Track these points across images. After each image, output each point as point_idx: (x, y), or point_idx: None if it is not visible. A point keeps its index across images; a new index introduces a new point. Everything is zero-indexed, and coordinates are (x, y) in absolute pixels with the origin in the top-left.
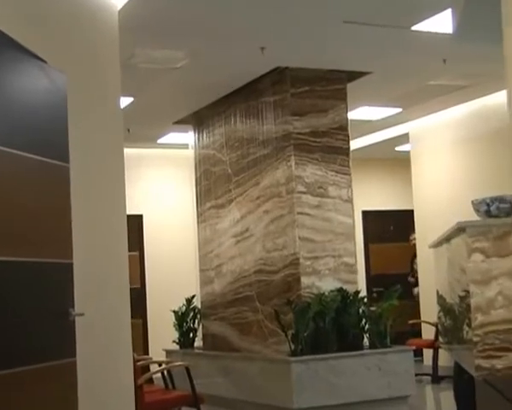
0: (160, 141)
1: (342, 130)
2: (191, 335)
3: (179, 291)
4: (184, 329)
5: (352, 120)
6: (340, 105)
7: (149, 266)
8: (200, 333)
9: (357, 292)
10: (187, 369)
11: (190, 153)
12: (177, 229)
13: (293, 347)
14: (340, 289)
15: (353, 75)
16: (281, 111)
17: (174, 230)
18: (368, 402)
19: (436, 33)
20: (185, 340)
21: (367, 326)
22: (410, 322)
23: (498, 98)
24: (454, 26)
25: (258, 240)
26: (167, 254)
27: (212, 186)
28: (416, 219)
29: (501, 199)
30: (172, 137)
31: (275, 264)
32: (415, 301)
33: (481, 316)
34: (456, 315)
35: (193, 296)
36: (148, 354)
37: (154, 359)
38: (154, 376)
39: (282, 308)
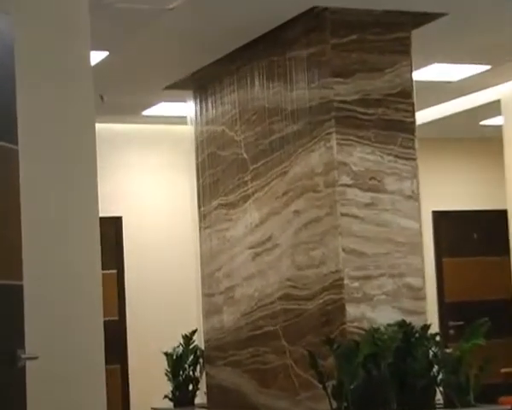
0: (146, 113)
1: (405, 97)
2: (191, 387)
3: (174, 325)
4: (181, 378)
5: (418, 83)
6: (402, 62)
7: (131, 290)
8: (203, 384)
9: (427, 327)
10: None
11: (189, 130)
12: (170, 237)
13: (335, 404)
14: (402, 323)
15: (420, 19)
16: (317, 70)
17: (166, 238)
18: None
19: None
20: (182, 394)
21: (440, 376)
22: (504, 370)
23: None
24: None
25: (286, 253)
26: (157, 273)
27: (221, 177)
28: (511, 224)
29: None
30: (164, 107)
31: (308, 287)
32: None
33: None
34: None
35: (193, 332)
36: None
37: None
38: None
39: (318, 350)
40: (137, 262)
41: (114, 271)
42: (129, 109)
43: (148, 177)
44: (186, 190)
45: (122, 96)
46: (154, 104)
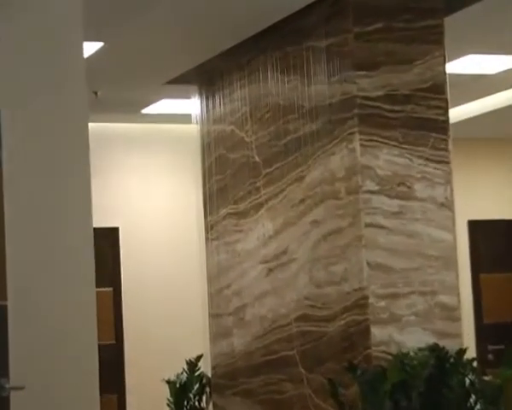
0: (146, 111)
1: (437, 92)
2: None
3: (177, 350)
4: (186, 409)
5: (451, 77)
6: (434, 52)
7: (130, 310)
8: None
9: (462, 351)
10: None
11: (194, 130)
12: (173, 250)
13: None
14: (435, 347)
15: (454, 4)
16: (338, 62)
17: (169, 251)
18: None
19: None
20: None
21: (478, 406)
22: None
23: None
24: None
25: (303, 268)
26: (158, 291)
27: (230, 183)
28: None
29: None
30: (165, 104)
31: (329, 306)
32: None
33: None
34: None
35: (199, 358)
36: None
37: None
38: None
39: (340, 377)
40: (136, 279)
41: (110, 289)
42: (126, 107)
43: (149, 183)
44: (191, 198)
45: (119, 92)
46: (154, 101)
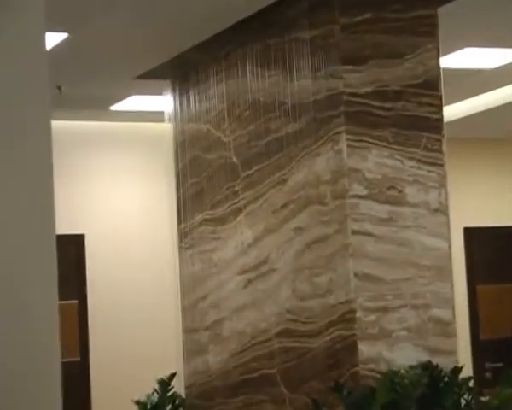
0: (114, 108)
1: (430, 88)
2: None
3: (148, 368)
4: None
5: (446, 72)
6: (427, 45)
7: (96, 325)
8: None
9: (458, 370)
10: None
11: (167, 129)
12: (144, 259)
13: None
14: (428, 365)
15: None
16: (324, 56)
17: (139, 261)
18: None
19: None
20: None
21: None
22: None
23: None
24: None
25: (285, 279)
26: (127, 304)
27: (206, 186)
28: None
29: None
30: (136, 101)
31: (313, 320)
32: None
33: None
34: None
35: (172, 376)
36: None
37: None
38: None
39: (325, 397)
40: (103, 290)
41: (75, 301)
42: (93, 103)
43: (118, 186)
44: (163, 203)
45: (85, 87)
46: (124, 97)
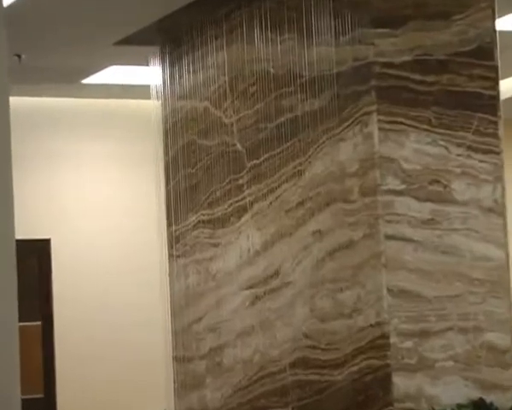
0: (87, 81)
1: (484, 57)
2: None
3: (130, 405)
4: None
5: (503, 36)
6: (480, 3)
7: (64, 352)
8: None
9: None
10: None
11: (154, 107)
12: (125, 271)
13: None
14: (480, 403)
15: None
16: (350, 16)
17: (119, 272)
18: None
19: None
20: None
21: None
22: None
23: None
24: None
25: (302, 295)
26: (103, 326)
27: (203, 179)
28: None
29: None
30: (115, 73)
31: (337, 347)
32: None
33: None
34: None
35: None
36: None
37: None
38: None
39: None
40: (73, 309)
41: (38, 323)
42: (61, 75)
43: (92, 179)
44: (149, 200)
45: (51, 55)
46: (100, 68)
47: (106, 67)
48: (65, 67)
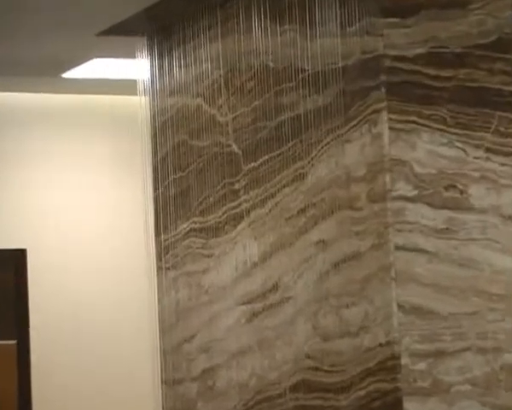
0: (68, 76)
1: (505, 50)
2: None
3: None
4: None
5: None
6: None
7: (42, 375)
8: None
9: None
10: None
11: (140, 104)
12: (108, 284)
13: None
14: None
15: None
16: (356, 4)
17: (102, 286)
18: None
19: None
20: None
21: None
22: None
23: None
24: None
25: (304, 311)
26: (85, 345)
27: (195, 183)
28: None
29: None
30: (98, 66)
31: (342, 368)
32: None
33: None
34: None
35: None
36: None
37: None
38: None
39: None
40: (52, 327)
41: (13, 342)
42: (39, 69)
43: (72, 183)
44: (135, 206)
45: (27, 46)
46: (82, 61)
47: (88, 59)
48: (43, 60)
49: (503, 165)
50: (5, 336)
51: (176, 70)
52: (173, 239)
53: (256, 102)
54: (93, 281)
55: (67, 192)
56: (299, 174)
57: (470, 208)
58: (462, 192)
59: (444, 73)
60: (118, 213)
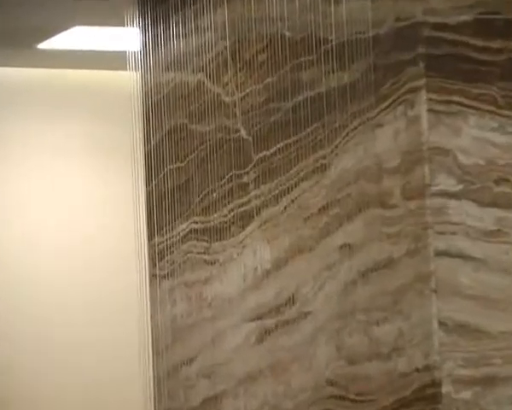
0: (44, 46)
1: None
2: None
3: None
4: None
5: None
6: None
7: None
8: None
9: None
10: None
11: (130, 81)
12: (90, 297)
13: None
14: None
15: None
16: None
17: (83, 300)
18: None
19: None
20: None
21: None
22: None
23: None
24: None
25: (325, 329)
26: (61, 371)
27: (196, 176)
28: None
29: None
30: (80, 35)
31: (371, 397)
32: None
33: None
34: None
35: None
36: None
37: None
38: None
39: None
40: (18, 351)
41: None
42: (11, 39)
43: (49, 172)
44: (124, 202)
45: None
46: (60, 29)
47: (68, 27)
48: (16, 28)
49: None
50: None
51: (173, 41)
52: (169, 242)
53: (269, 79)
54: (74, 294)
55: (44, 183)
56: (321, 165)
57: None
58: None
59: (494, 45)
60: (103, 211)
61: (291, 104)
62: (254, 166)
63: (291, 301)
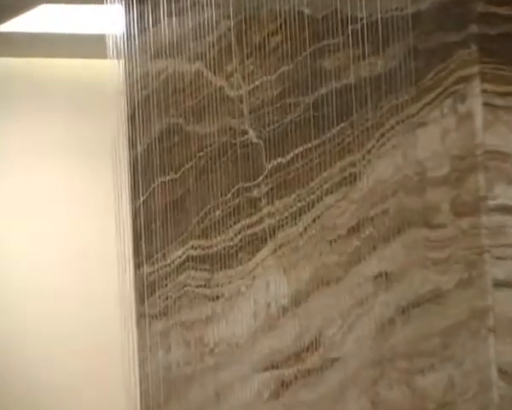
0: (5, 29)
1: None
2: None
3: None
4: None
5: None
6: None
7: None
8: None
9: None
10: None
11: (111, 71)
12: (65, 338)
13: None
14: None
15: None
16: None
17: (55, 341)
18: None
19: None
20: None
21: None
22: None
23: None
24: None
25: (357, 380)
26: None
27: (194, 190)
28: None
29: None
30: (49, 15)
31: None
32: None
33: None
34: None
35: None
36: None
37: None
38: None
39: None
40: None
41: None
42: None
43: (11, 181)
44: (105, 223)
45: None
46: (24, 8)
47: (34, 6)
48: None
49: None
50: None
51: (164, 21)
52: (162, 272)
53: (284, 68)
54: (44, 334)
55: (9, 196)
56: (349, 175)
57: None
58: None
59: None
60: (78, 234)
61: (311, 99)
62: (266, 176)
63: (314, 345)
